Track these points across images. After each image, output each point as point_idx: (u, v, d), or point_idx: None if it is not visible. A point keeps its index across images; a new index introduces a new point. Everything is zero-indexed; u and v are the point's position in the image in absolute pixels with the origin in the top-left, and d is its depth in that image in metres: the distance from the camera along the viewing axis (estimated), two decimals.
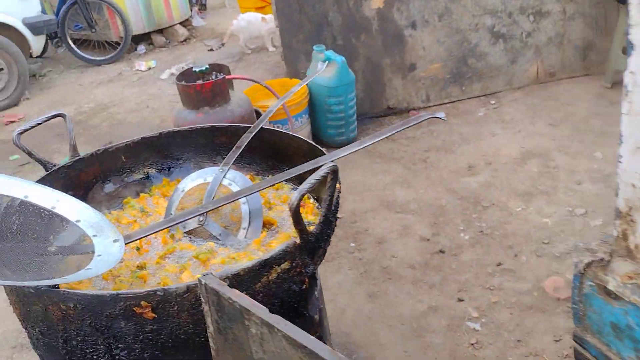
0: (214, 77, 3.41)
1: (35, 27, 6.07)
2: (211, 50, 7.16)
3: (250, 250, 1.63)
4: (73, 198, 1.63)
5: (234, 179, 1.75)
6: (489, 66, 4.90)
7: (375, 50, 4.66)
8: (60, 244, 1.58)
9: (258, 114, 3.72)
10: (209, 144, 2.01)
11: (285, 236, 1.65)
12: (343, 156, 1.67)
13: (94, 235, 1.54)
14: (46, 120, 1.82)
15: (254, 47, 7.03)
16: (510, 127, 4.49)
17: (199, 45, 7.81)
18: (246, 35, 6.75)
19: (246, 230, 1.67)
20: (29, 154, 1.78)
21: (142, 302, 1.19)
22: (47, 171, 1.78)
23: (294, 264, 1.31)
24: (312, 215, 1.73)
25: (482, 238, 3.40)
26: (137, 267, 1.60)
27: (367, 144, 1.69)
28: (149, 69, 6.89)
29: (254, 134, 1.88)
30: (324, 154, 1.70)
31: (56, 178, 1.78)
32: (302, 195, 1.24)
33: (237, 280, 1.22)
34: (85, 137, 5.24)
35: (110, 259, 1.43)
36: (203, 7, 9.18)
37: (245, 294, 1.18)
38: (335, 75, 4.21)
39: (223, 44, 7.02)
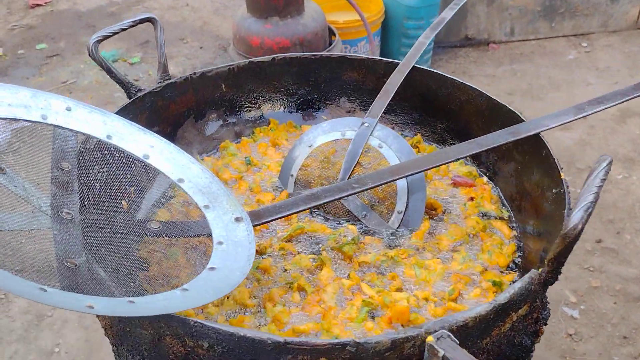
0: None
1: None
2: None
3: (411, 246, 1.18)
4: (171, 144, 1.16)
5: (386, 139, 1.27)
6: (586, 2, 4.27)
7: None
8: (159, 217, 1.14)
9: (331, 31, 3.19)
10: (334, 79, 1.51)
11: (459, 231, 1.20)
12: (553, 127, 1.18)
13: (205, 207, 1.08)
14: (132, 26, 1.31)
15: None
16: (606, 76, 3.94)
17: None
18: None
19: (402, 215, 1.21)
20: (108, 71, 1.29)
21: (322, 359, 0.75)
22: (129, 98, 1.29)
23: (532, 308, 0.87)
24: (490, 204, 1.27)
25: None
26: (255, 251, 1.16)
27: (588, 113, 1.20)
28: None
29: (405, 74, 1.38)
30: (522, 120, 1.21)
31: (141, 108, 1.30)
32: (589, 216, 0.78)
33: (462, 335, 0.78)
34: (119, 34, 4.65)
35: (239, 252, 0.97)
36: None
37: (470, 352, 0.75)
38: None
39: None
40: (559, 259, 0.82)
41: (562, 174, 1.09)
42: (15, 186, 0.91)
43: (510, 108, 1.27)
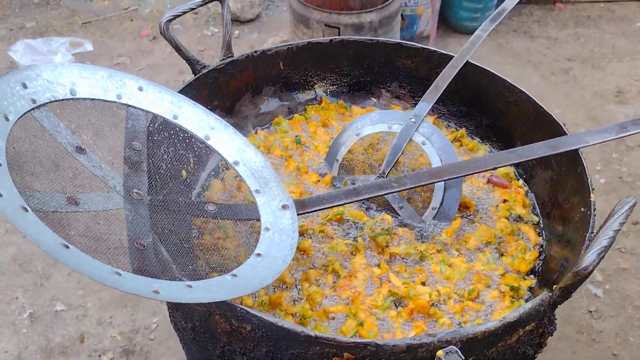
0: None
1: None
2: None
3: (440, 242, 1.27)
4: (230, 127, 1.26)
5: (430, 137, 1.34)
6: None
7: None
8: (211, 195, 1.25)
9: None
10: (387, 64, 1.56)
11: (487, 232, 1.28)
12: (593, 144, 1.23)
13: (256, 191, 1.19)
14: (201, 5, 1.38)
15: None
16: None
17: None
18: None
19: (436, 210, 1.30)
20: (177, 49, 1.38)
21: (346, 354, 0.88)
22: (195, 74, 1.39)
23: (539, 324, 0.97)
24: (522, 208, 1.34)
25: (620, 185, 2.96)
26: None
27: (630, 133, 1.23)
28: None
29: (458, 70, 1.42)
30: (566, 133, 1.26)
31: (204, 84, 1.39)
32: (601, 259, 0.86)
33: (471, 345, 0.89)
34: None
35: (283, 240, 1.09)
36: None
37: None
38: None
39: None
40: (568, 289, 0.90)
41: (592, 195, 1.14)
42: (94, 166, 1.04)
43: (555, 118, 1.31)
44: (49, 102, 1.05)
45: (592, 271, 0.86)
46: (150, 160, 1.12)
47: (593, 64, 3.66)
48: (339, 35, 2.84)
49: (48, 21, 3.98)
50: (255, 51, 1.47)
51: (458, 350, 0.82)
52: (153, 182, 1.09)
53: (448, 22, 3.86)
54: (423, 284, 1.19)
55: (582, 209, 1.15)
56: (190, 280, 0.92)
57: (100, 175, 1.04)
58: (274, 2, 4.24)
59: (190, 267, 0.99)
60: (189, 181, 1.19)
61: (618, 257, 2.64)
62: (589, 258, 0.85)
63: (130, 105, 1.17)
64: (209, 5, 4.15)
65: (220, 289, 0.93)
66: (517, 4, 4.08)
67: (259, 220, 1.14)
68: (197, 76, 1.37)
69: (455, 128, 1.57)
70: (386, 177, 1.33)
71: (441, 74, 1.42)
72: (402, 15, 3.41)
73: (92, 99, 1.13)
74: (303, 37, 2.97)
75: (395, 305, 1.16)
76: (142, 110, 1.18)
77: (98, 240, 0.91)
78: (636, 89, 3.47)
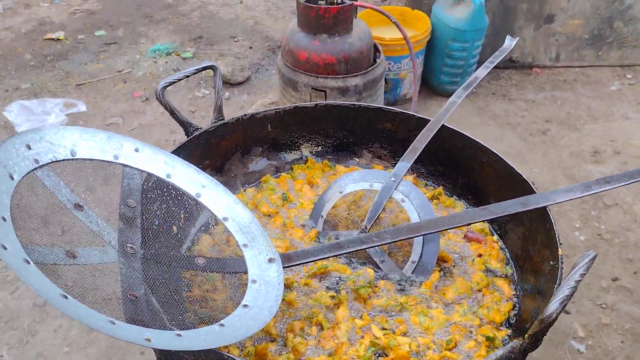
0: (339, 0, 2.99)
1: None
2: None
3: (420, 294, 1.34)
4: (220, 185, 1.34)
5: (409, 194, 1.43)
6: (636, 34, 4.28)
7: None
8: (201, 249, 1.32)
9: (376, 48, 3.31)
10: (369, 127, 1.66)
11: (464, 285, 1.35)
12: (559, 202, 1.31)
13: (244, 245, 1.26)
14: (195, 73, 1.49)
15: None
16: None
17: None
18: None
19: (415, 264, 1.37)
20: (172, 113, 1.47)
21: None
22: (187, 136, 1.48)
23: None
24: (496, 261, 1.41)
25: (600, 243, 3.05)
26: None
27: (594, 192, 1.32)
28: None
29: (434, 133, 1.52)
30: (535, 192, 1.35)
31: (196, 145, 1.48)
32: (564, 307, 0.92)
33: None
34: (174, 25, 4.87)
35: (269, 292, 1.15)
36: None
37: None
38: (468, 18, 3.68)
39: None
40: (536, 336, 0.97)
41: (560, 249, 1.22)
42: (91, 222, 1.10)
43: (525, 178, 1.40)
44: (51, 162, 1.13)
45: (555, 318, 0.93)
46: (144, 217, 1.19)
47: (570, 125, 3.82)
48: (326, 97, 2.98)
49: (43, 83, 4.11)
50: (245, 115, 1.57)
51: None
52: (146, 237, 1.16)
53: (430, 86, 4.04)
54: (403, 334, 1.24)
55: (551, 262, 1.22)
56: (180, 330, 0.97)
57: (96, 231, 1.10)
58: (263, 66, 4.41)
59: (180, 317, 1.04)
60: (180, 236, 1.26)
61: (599, 313, 2.70)
62: (552, 307, 0.92)
63: (127, 165, 1.25)
64: None
65: (208, 338, 0.98)
66: (496, 68, 4.28)
67: (246, 272, 1.20)
68: (189, 138, 1.46)
69: (433, 186, 1.66)
70: (368, 232, 1.40)
71: (418, 136, 1.52)
72: (385, 79, 3.58)
73: (91, 159, 1.20)
74: (291, 99, 3.11)
75: (377, 355, 1.21)
76: (138, 169, 1.26)
77: (94, 291, 0.96)
78: (611, 149, 3.62)
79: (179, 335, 0.95)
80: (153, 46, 4.48)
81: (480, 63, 4.09)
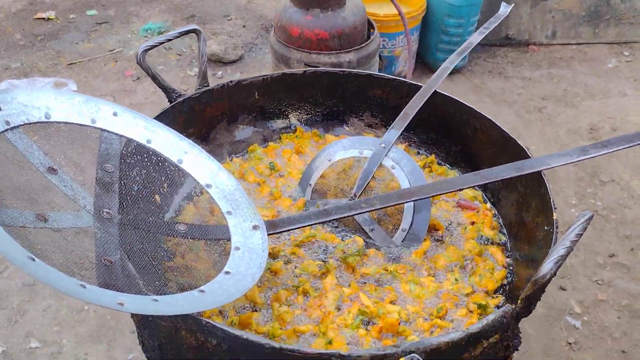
0: None
1: None
2: None
3: (410, 262, 1.30)
4: (203, 151, 1.29)
5: (399, 161, 1.38)
6: (633, 10, 4.21)
7: None
8: (185, 218, 1.28)
9: (370, 24, 3.24)
10: (359, 94, 1.61)
11: (456, 253, 1.31)
12: (555, 166, 1.27)
13: (228, 213, 1.21)
14: (177, 36, 1.43)
15: None
16: None
17: None
18: None
19: (406, 232, 1.33)
20: (153, 77, 1.42)
21: None
22: (170, 102, 1.43)
23: (503, 337, 0.98)
24: (489, 229, 1.37)
25: (596, 219, 3.01)
26: (269, 253, 1.29)
27: (591, 156, 1.28)
28: None
29: (426, 99, 1.48)
30: (528, 156, 1.30)
31: (179, 112, 1.43)
32: (559, 267, 0.88)
33: (435, 356, 0.90)
34: (165, 4, 4.78)
35: (253, 259, 1.11)
36: None
37: None
38: None
39: None
40: (529, 299, 0.93)
41: (555, 214, 1.18)
42: (65, 186, 1.05)
43: (519, 142, 1.36)
44: (23, 125, 1.08)
45: (549, 279, 0.89)
46: (122, 182, 1.14)
47: (566, 102, 3.77)
48: None
49: (33, 62, 4.04)
50: (231, 81, 1.52)
51: (419, 357, 0.83)
52: (124, 203, 1.11)
53: (425, 63, 3.98)
54: (392, 303, 1.20)
55: (546, 228, 1.18)
56: (157, 295, 0.93)
57: (70, 195, 1.05)
58: (256, 44, 4.35)
59: (157, 283, 1.00)
60: (161, 203, 1.21)
61: (596, 289, 2.67)
62: (546, 267, 0.88)
63: (104, 130, 1.20)
64: (193, 47, 4.25)
65: (186, 304, 0.94)
66: (492, 46, 4.22)
67: (229, 240, 1.16)
68: (172, 104, 1.41)
69: (426, 155, 1.61)
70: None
71: (410, 102, 1.48)
72: (380, 56, 3.51)
73: (67, 123, 1.15)
74: None
75: (365, 324, 1.17)
76: (116, 134, 1.21)
77: (66, 255, 0.92)
78: (609, 126, 3.57)
79: (155, 300, 0.91)
80: (145, 25, 4.41)
81: None
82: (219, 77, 3.93)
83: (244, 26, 4.52)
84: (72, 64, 4.03)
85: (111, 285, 0.90)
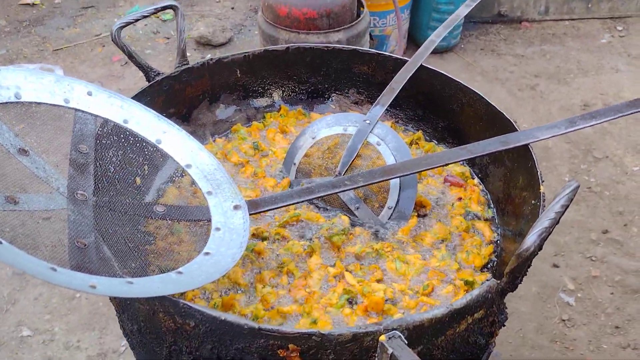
0: None
1: None
2: None
3: (396, 240, 1.27)
4: (183, 131, 1.26)
5: (384, 137, 1.35)
6: None
7: None
8: (165, 200, 1.24)
9: (359, 3, 3.19)
10: (344, 71, 1.57)
11: (443, 230, 1.28)
12: (542, 139, 1.24)
13: (208, 193, 1.18)
14: (154, 13, 1.39)
15: None
16: (637, 63, 3.87)
17: None
18: None
19: (392, 210, 1.30)
20: (129, 55, 1.38)
21: (290, 345, 0.86)
22: (148, 81, 1.39)
23: (488, 312, 0.96)
24: (477, 205, 1.35)
25: (589, 196, 3.00)
26: (252, 234, 1.27)
27: (579, 127, 1.25)
28: None
29: (412, 73, 1.44)
30: (516, 130, 1.27)
31: (158, 91, 1.39)
32: (544, 240, 0.86)
33: (418, 333, 0.88)
34: None
35: (233, 239, 1.08)
36: None
37: (424, 349, 0.85)
38: None
39: None
40: (514, 273, 0.90)
41: (542, 187, 1.15)
42: (37, 168, 1.02)
43: (506, 116, 1.33)
44: None
45: (534, 252, 0.86)
46: (98, 163, 1.11)
47: (559, 79, 3.73)
48: None
49: (19, 49, 3.98)
50: (211, 59, 1.48)
51: (401, 334, 0.81)
52: (99, 184, 1.08)
53: (417, 42, 3.93)
54: (378, 281, 1.18)
55: (533, 202, 1.15)
56: (132, 277, 0.91)
57: (43, 177, 1.02)
58: (245, 26, 4.28)
59: (133, 265, 0.97)
60: (140, 184, 1.18)
61: (589, 265, 2.66)
62: (530, 239, 0.85)
63: (78, 110, 1.17)
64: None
65: (162, 285, 0.91)
66: (485, 23, 4.17)
67: (209, 220, 1.13)
68: (150, 83, 1.37)
69: (413, 131, 1.58)
70: None
71: (395, 77, 1.44)
72: (371, 35, 3.47)
73: (38, 103, 1.12)
74: None
75: (350, 303, 1.15)
76: (91, 114, 1.18)
77: (35, 238, 0.89)
78: (602, 102, 3.54)
79: (129, 282, 0.89)
80: (131, 8, 4.34)
81: (468, 16, 3.98)
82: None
83: (232, 8, 4.46)
84: (58, 49, 3.97)
85: (83, 268, 0.87)
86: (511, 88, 3.65)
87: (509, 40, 4.08)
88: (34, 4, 4.47)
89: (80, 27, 4.21)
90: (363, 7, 3.15)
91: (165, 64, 3.83)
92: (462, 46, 4.01)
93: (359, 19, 3.06)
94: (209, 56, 3.89)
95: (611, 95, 3.59)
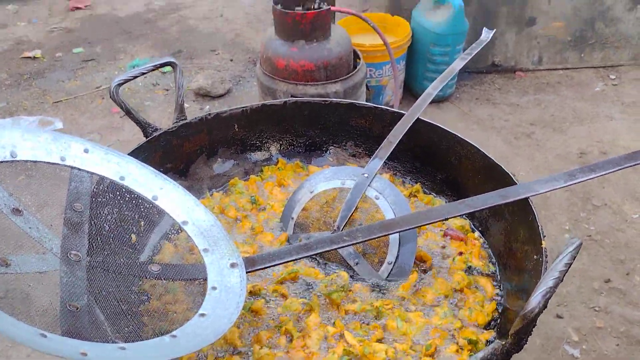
0: (316, 5, 2.92)
1: None
2: None
3: (397, 297, 1.24)
4: (180, 187, 1.24)
5: (383, 191, 1.34)
6: (618, 34, 4.24)
7: None
8: (161, 257, 1.22)
9: (355, 55, 3.24)
10: (341, 124, 1.58)
11: (444, 286, 1.26)
12: (542, 193, 1.23)
13: (205, 250, 1.16)
14: (152, 70, 1.40)
15: None
16: (631, 111, 3.91)
17: None
18: None
19: (392, 265, 1.28)
20: (127, 112, 1.38)
21: None
22: (146, 137, 1.39)
23: None
24: (478, 259, 1.32)
25: (590, 244, 2.97)
26: (249, 292, 1.24)
27: (578, 180, 1.24)
28: None
29: (409, 126, 1.44)
30: (514, 183, 1.26)
31: (156, 147, 1.39)
32: (548, 300, 0.83)
33: None
34: (152, 40, 4.80)
35: (230, 299, 1.05)
36: None
37: None
38: (448, 22, 3.64)
39: None
40: (519, 334, 0.87)
41: (544, 242, 1.13)
42: (30, 228, 1.00)
43: (504, 169, 1.32)
44: None
45: (539, 313, 0.84)
46: (93, 222, 1.09)
47: (555, 127, 3.76)
48: None
49: (19, 101, 4.02)
50: (209, 114, 1.48)
51: None
52: (94, 244, 1.06)
53: (413, 92, 3.98)
54: (379, 341, 1.15)
55: (535, 257, 1.13)
56: (124, 342, 0.88)
57: (36, 237, 1.00)
58: (244, 77, 4.34)
59: (127, 329, 0.94)
60: (136, 243, 1.16)
61: (593, 316, 2.61)
62: (534, 300, 0.83)
63: (74, 167, 1.16)
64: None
65: (156, 351, 0.88)
66: (479, 73, 4.23)
67: (205, 279, 1.10)
68: (148, 139, 1.37)
69: (411, 184, 1.57)
70: None
71: (392, 130, 1.44)
72: (367, 86, 3.51)
73: (34, 161, 1.11)
74: None
75: None
76: (87, 172, 1.17)
77: (25, 302, 0.86)
78: (598, 150, 3.56)
79: (122, 348, 0.85)
80: (132, 61, 4.41)
81: (462, 68, 4.04)
82: (206, 112, 3.91)
83: (231, 60, 4.53)
84: (58, 102, 4.00)
85: (75, 333, 0.84)
86: (507, 136, 3.67)
87: (504, 90, 4.13)
88: (35, 57, 4.54)
89: (80, 80, 4.26)
90: (359, 59, 3.20)
91: (164, 115, 3.86)
92: (458, 95, 4.06)
93: (356, 70, 3.10)
94: (207, 107, 3.94)
95: (607, 143, 3.61)
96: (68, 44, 4.73)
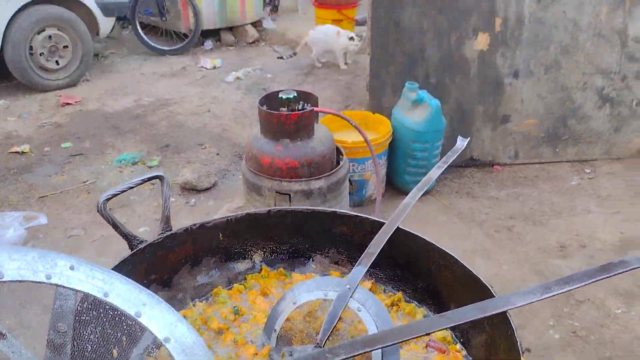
0: (300, 106, 3.04)
1: (107, 9, 5.78)
2: (280, 58, 6.78)
3: None
4: (163, 302, 1.25)
5: (364, 302, 1.36)
6: (589, 131, 4.44)
7: (469, 95, 4.23)
8: None
9: (338, 151, 3.35)
10: (324, 232, 1.62)
11: None
12: (520, 306, 1.26)
13: None
14: (140, 184, 1.45)
15: (325, 61, 6.65)
16: (608, 205, 4.02)
17: (268, 50, 7.44)
18: (320, 49, 6.36)
19: None
20: (114, 226, 1.42)
21: None
22: (131, 250, 1.41)
23: None
24: None
25: (575, 341, 2.96)
26: None
27: (554, 293, 1.28)
28: (214, 67, 6.55)
29: (389, 235, 1.49)
30: (493, 295, 1.29)
31: (141, 259, 1.41)
32: None
33: None
34: (141, 135, 4.91)
35: None
36: (275, 9, 8.81)
37: None
38: (426, 120, 3.80)
39: (295, 54, 6.63)
40: None
41: (522, 357, 1.15)
42: (13, 352, 1.00)
43: (483, 281, 1.36)
44: None
45: None
46: (75, 342, 1.10)
47: (534, 220, 3.84)
48: (290, 201, 2.96)
49: (4, 196, 4.03)
50: (194, 224, 1.52)
51: None
52: None
53: (395, 186, 4.08)
54: None
55: None
56: None
57: None
58: (230, 171, 4.43)
59: None
60: (117, 358, 1.16)
61: None
62: None
63: (60, 285, 1.17)
64: (168, 176, 4.31)
65: None
66: (458, 167, 4.36)
67: None
68: (133, 252, 1.39)
69: (393, 292, 1.60)
70: (323, 346, 1.31)
71: (373, 240, 1.48)
72: (350, 180, 3.60)
73: (20, 282, 1.12)
74: (256, 204, 3.08)
75: None
76: (72, 289, 1.18)
77: None
78: (577, 243, 3.62)
79: None
80: (119, 156, 4.49)
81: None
82: (192, 205, 3.96)
83: (217, 154, 4.63)
84: (43, 196, 4.03)
85: None
86: (488, 230, 3.74)
87: (483, 183, 4.25)
88: (23, 152, 4.61)
89: (67, 174, 4.31)
90: (342, 155, 3.30)
91: (150, 209, 3.89)
92: (438, 189, 4.16)
93: (339, 166, 3.19)
94: (193, 201, 3.98)
95: (586, 236, 3.68)
96: (57, 139, 4.82)
